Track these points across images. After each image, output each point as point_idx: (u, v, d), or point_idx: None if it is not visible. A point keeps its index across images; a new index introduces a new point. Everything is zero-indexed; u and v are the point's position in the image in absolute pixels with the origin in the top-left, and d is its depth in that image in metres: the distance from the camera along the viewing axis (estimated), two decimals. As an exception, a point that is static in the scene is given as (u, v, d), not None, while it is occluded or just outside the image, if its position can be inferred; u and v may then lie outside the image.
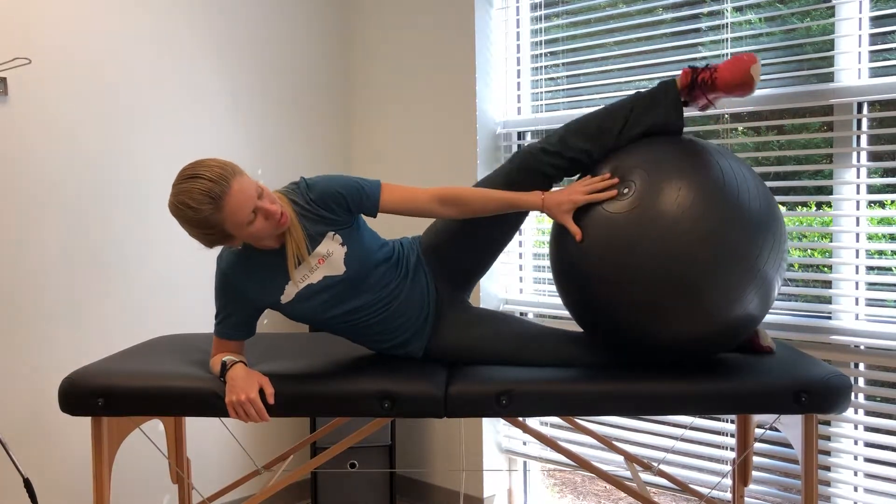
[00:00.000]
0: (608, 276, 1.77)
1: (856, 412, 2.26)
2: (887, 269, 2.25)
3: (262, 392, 1.75)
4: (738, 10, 2.43)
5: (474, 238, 1.99)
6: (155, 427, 2.72)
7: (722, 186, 1.74)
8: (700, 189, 1.73)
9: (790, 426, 1.89)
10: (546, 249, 2.95)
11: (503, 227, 2.01)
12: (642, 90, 1.95)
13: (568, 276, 1.89)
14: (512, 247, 3.01)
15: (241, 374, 1.76)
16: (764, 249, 1.72)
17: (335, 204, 1.83)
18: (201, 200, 1.63)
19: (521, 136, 3.01)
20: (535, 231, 2.99)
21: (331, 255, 1.83)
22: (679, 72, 1.98)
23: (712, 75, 1.86)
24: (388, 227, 3.26)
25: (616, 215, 1.77)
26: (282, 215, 1.73)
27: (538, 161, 1.93)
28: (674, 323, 1.74)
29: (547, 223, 2.96)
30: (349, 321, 1.91)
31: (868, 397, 2.26)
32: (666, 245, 1.70)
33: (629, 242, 1.73)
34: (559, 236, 1.92)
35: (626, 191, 1.80)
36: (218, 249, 1.92)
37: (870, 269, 2.25)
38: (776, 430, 2.31)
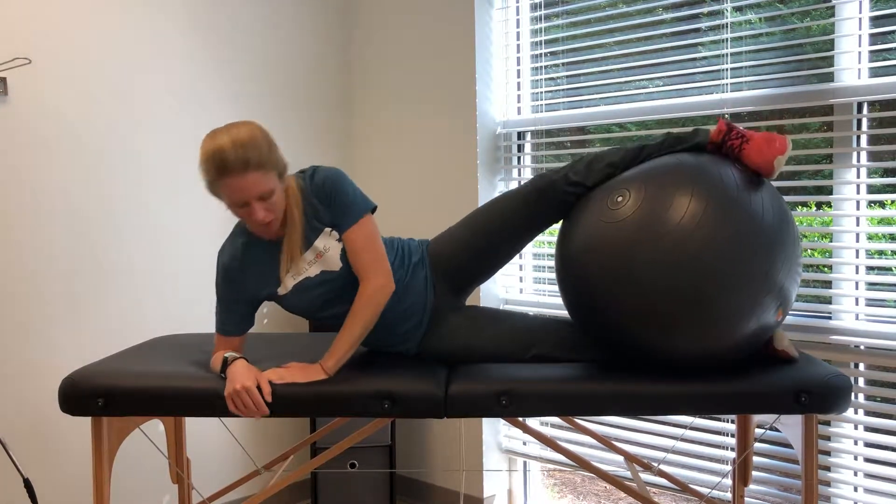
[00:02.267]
0: (609, 286, 1.75)
1: (856, 412, 2.26)
2: (887, 269, 2.25)
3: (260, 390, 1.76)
4: (738, 10, 2.43)
5: (493, 251, 1.99)
6: (155, 427, 2.72)
7: (733, 196, 1.72)
8: (710, 199, 1.70)
9: (790, 426, 1.89)
10: (546, 250, 2.95)
11: (519, 243, 2.02)
12: (674, 130, 1.96)
13: (569, 282, 1.88)
14: (512, 247, 3.01)
15: (241, 369, 1.77)
16: (778, 259, 1.70)
17: (325, 203, 1.86)
18: (209, 164, 1.71)
19: (521, 135, 3.01)
20: (535, 231, 2.99)
21: (327, 251, 1.85)
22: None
23: (741, 145, 1.84)
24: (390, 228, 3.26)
25: (618, 223, 1.76)
26: (269, 224, 1.78)
27: (560, 190, 1.93)
28: (685, 336, 1.72)
29: (547, 223, 2.96)
30: (345, 317, 1.92)
31: (868, 397, 2.26)
32: (674, 256, 1.68)
33: (631, 252, 1.71)
34: (563, 241, 1.92)
35: (619, 199, 1.79)
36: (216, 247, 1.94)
37: (870, 269, 2.25)
38: (776, 430, 2.31)
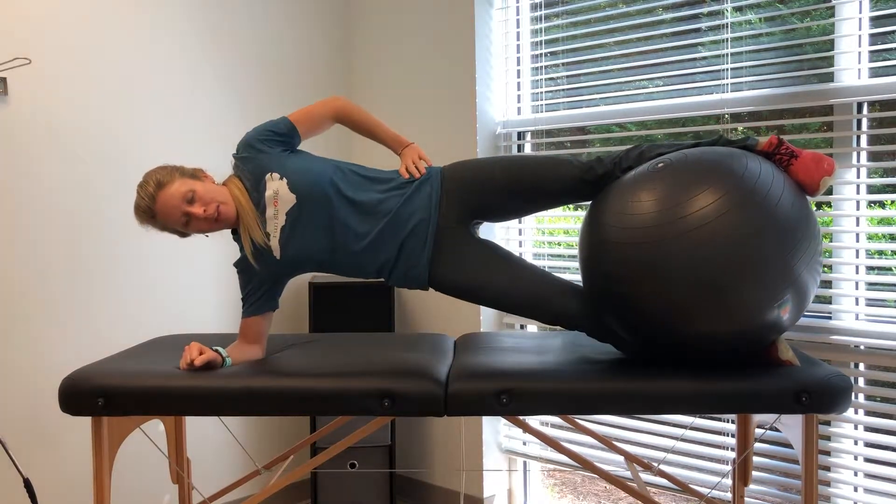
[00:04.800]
0: (632, 271, 1.75)
1: (856, 412, 2.26)
2: (887, 269, 2.25)
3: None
4: (738, 10, 2.43)
5: (516, 198, 2.02)
6: (155, 427, 2.72)
7: (754, 187, 1.71)
8: (731, 190, 1.70)
9: (790, 426, 1.89)
10: (546, 250, 2.95)
11: (543, 205, 2.06)
12: (724, 136, 1.99)
13: (592, 266, 1.87)
14: (512, 246, 3.01)
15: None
16: (797, 252, 1.70)
17: (247, 158, 1.97)
18: (140, 216, 1.94)
19: (521, 136, 3.01)
20: (535, 231, 2.99)
21: (278, 193, 1.94)
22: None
23: (790, 160, 1.86)
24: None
25: (643, 210, 1.75)
26: (219, 213, 1.90)
27: (612, 176, 1.94)
28: (700, 323, 1.72)
29: (548, 223, 2.96)
30: (342, 242, 1.96)
31: (868, 397, 2.26)
32: (694, 245, 1.67)
33: (656, 240, 1.71)
34: (589, 226, 1.90)
35: (660, 165, 1.80)
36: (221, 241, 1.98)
37: (870, 269, 2.25)
38: (776, 430, 2.31)
